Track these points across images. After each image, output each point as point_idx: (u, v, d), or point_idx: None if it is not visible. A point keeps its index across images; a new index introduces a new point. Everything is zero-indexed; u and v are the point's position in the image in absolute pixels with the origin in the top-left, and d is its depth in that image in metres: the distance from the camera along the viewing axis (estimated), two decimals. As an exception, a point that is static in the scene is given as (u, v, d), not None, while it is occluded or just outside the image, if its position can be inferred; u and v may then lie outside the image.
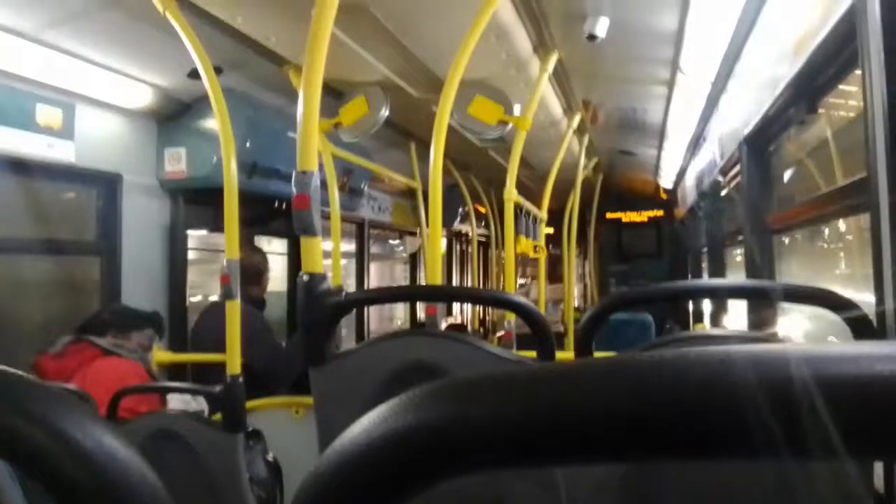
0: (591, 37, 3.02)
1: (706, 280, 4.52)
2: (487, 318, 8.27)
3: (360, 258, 5.77)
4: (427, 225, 3.54)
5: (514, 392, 0.28)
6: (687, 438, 0.26)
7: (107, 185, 3.22)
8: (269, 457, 2.52)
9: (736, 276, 4.20)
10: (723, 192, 4.12)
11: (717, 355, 0.26)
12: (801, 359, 0.25)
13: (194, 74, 2.69)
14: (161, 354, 3.14)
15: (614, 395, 0.27)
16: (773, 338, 1.67)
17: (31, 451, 0.33)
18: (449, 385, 0.30)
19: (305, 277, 1.60)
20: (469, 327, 7.63)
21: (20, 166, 2.75)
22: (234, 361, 2.34)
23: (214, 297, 3.86)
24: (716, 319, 4.49)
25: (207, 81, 2.43)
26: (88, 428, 0.33)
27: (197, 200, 3.62)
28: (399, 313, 7.37)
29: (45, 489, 0.32)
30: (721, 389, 0.25)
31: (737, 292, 1.98)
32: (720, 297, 3.41)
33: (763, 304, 2.63)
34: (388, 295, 2.49)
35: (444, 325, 6.67)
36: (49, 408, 0.33)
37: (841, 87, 1.99)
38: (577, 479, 0.97)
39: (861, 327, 1.15)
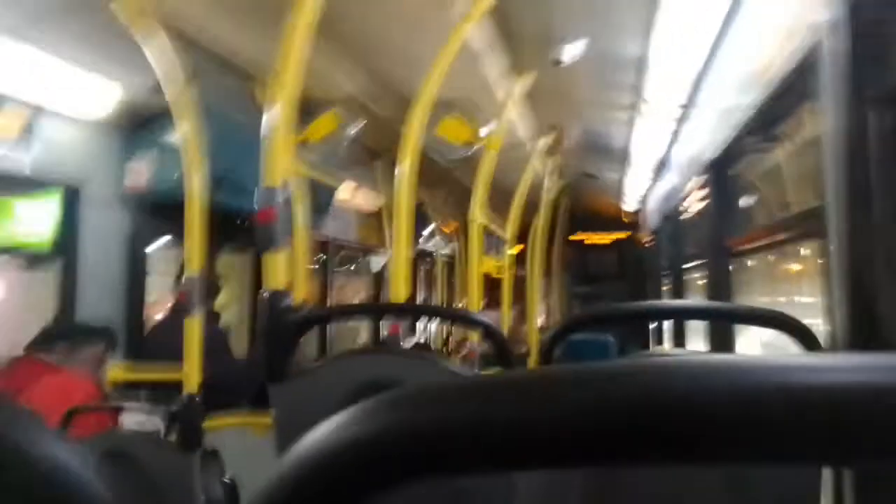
0: (558, 62, 3.08)
1: (668, 301, 4.59)
2: (450, 338, 8.25)
3: (324, 276, 5.72)
4: (392, 243, 3.53)
5: (469, 399, 0.29)
6: (636, 446, 0.26)
7: (66, 195, 3.15)
8: (226, 478, 2.46)
9: (694, 297, 4.27)
10: (684, 216, 4.20)
11: (662, 366, 0.27)
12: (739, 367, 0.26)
13: (160, 86, 2.66)
14: (116, 371, 3.06)
15: (568, 403, 0.27)
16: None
17: None
18: (408, 393, 0.30)
19: (267, 293, 1.58)
20: (432, 347, 7.60)
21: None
22: (191, 378, 2.30)
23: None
24: (676, 341, 4.55)
25: (174, 93, 2.40)
26: (43, 441, 0.32)
27: (158, 213, 3.56)
28: (363, 333, 7.30)
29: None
30: (669, 398, 0.26)
31: (698, 314, 2.01)
32: (683, 317, 3.47)
33: (722, 325, 2.68)
34: (352, 311, 2.48)
35: (407, 346, 6.62)
36: (6, 421, 0.32)
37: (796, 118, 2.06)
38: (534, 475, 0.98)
39: (812, 349, 1.18)
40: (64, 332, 2.67)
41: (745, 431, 0.25)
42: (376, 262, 6.89)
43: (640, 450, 0.26)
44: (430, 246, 7.54)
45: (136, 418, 2.56)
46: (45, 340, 2.60)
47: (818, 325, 1.42)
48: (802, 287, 2.47)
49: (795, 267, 2.79)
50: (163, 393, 2.76)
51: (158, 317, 3.64)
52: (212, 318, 3.24)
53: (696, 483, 0.96)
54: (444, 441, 0.28)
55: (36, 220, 3.13)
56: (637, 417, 0.26)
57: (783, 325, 1.18)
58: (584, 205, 8.24)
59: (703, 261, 3.24)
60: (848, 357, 0.27)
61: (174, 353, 2.39)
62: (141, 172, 3.37)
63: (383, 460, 0.28)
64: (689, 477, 0.94)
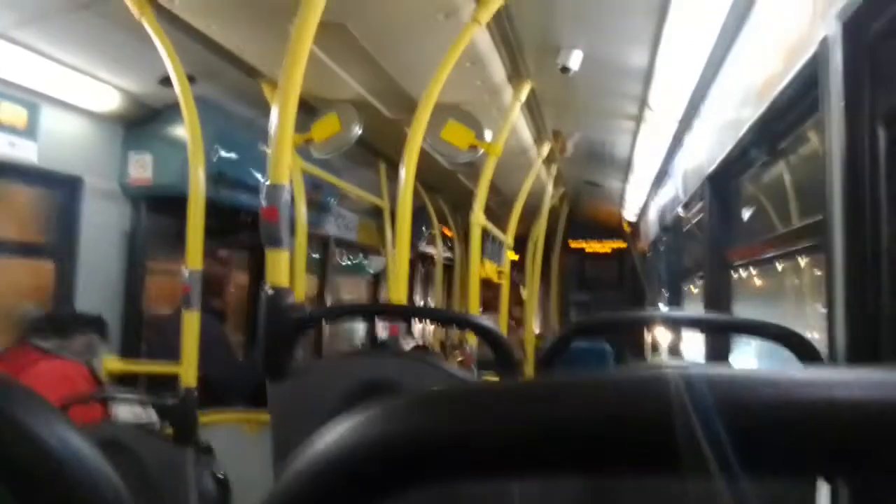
0: (565, 69, 3.08)
1: (667, 311, 4.59)
2: (448, 341, 8.24)
3: (323, 274, 5.72)
4: (393, 245, 3.53)
5: (471, 407, 0.29)
6: (628, 455, 0.27)
7: (67, 187, 3.15)
8: (219, 473, 2.47)
9: (693, 308, 4.27)
10: (684, 227, 4.20)
11: (666, 377, 0.27)
12: (733, 381, 0.27)
13: (166, 81, 2.67)
14: (112, 363, 3.06)
15: (564, 412, 0.27)
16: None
17: None
18: (410, 400, 0.30)
19: (270, 290, 1.58)
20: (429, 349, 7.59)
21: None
22: (189, 373, 2.30)
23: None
24: (672, 350, 4.55)
25: (179, 89, 2.41)
26: (53, 425, 0.32)
27: (160, 208, 3.56)
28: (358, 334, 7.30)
29: (4, 485, 0.31)
30: (673, 409, 0.26)
31: (697, 324, 2.02)
32: (682, 328, 3.47)
33: (720, 335, 2.68)
34: (352, 311, 2.48)
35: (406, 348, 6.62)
36: (11, 403, 0.32)
37: (800, 131, 2.07)
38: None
39: (812, 362, 1.18)
40: (56, 322, 2.67)
41: (738, 444, 0.26)
42: (376, 264, 6.90)
43: (635, 460, 0.26)
44: (429, 248, 7.54)
45: (131, 410, 2.57)
46: (40, 329, 2.60)
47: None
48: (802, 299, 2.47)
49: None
50: (160, 387, 2.76)
51: (161, 312, 3.65)
52: (215, 314, 3.25)
53: (688, 490, 0.96)
54: (455, 446, 0.28)
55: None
56: (638, 428, 0.26)
57: (783, 337, 1.19)
58: (584, 212, 8.24)
59: (703, 272, 3.24)
60: (846, 371, 0.27)
61: (176, 348, 2.40)
62: (145, 166, 3.38)
63: (390, 464, 0.28)
64: (683, 485, 0.94)
